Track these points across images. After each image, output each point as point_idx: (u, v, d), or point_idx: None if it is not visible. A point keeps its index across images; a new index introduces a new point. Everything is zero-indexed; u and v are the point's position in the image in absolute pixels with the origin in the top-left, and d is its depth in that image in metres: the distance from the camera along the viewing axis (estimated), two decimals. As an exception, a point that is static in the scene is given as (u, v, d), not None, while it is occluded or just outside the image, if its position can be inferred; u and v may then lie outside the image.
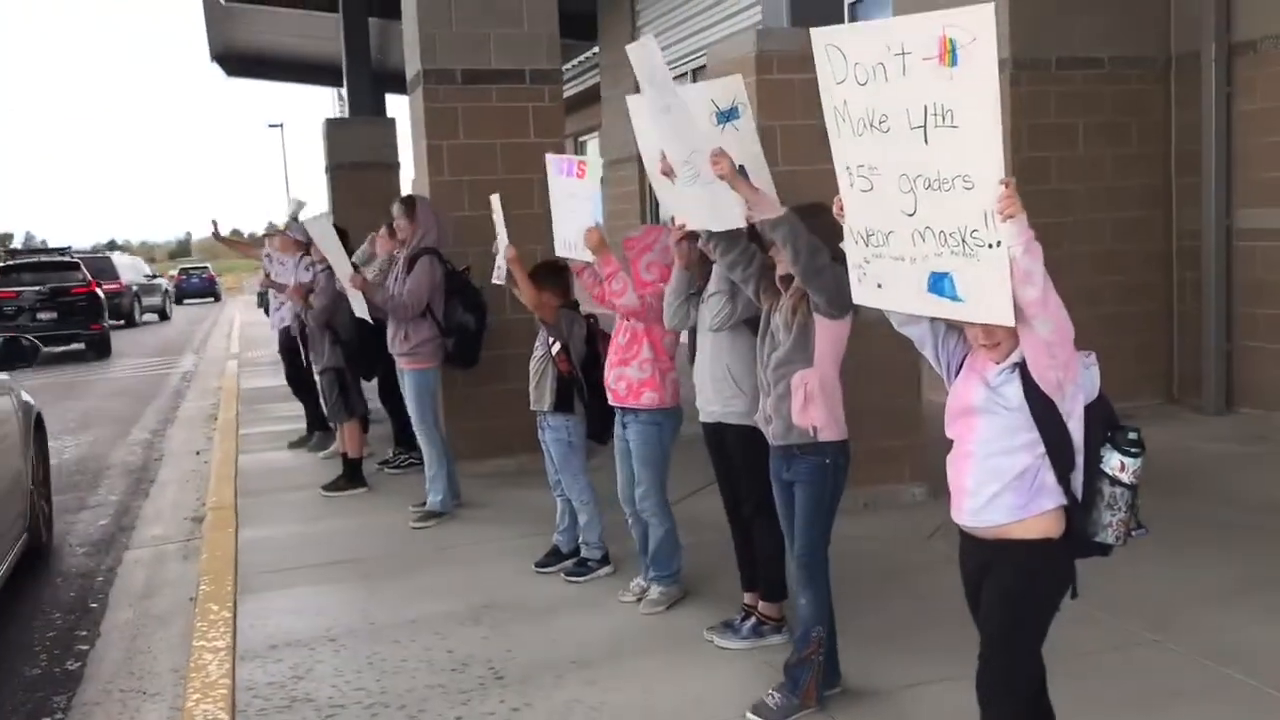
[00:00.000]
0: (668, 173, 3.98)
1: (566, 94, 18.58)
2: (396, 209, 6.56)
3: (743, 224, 3.68)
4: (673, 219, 4.43)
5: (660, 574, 4.84)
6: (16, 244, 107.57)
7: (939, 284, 2.68)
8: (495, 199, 5.58)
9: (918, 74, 2.54)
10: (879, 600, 4.70)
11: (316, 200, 17.04)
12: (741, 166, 3.58)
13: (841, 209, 2.94)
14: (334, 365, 7.32)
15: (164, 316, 32.45)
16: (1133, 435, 2.72)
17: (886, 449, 6.21)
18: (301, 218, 7.75)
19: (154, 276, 34.27)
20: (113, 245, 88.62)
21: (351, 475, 7.36)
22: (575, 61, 18.79)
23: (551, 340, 5.15)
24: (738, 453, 4.25)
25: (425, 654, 4.46)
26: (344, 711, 3.97)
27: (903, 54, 2.56)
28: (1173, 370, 9.01)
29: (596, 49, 17.57)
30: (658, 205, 15.74)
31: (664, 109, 3.78)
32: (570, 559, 5.40)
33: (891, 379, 6.10)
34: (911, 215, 2.69)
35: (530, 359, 5.32)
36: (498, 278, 5.61)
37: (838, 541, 3.88)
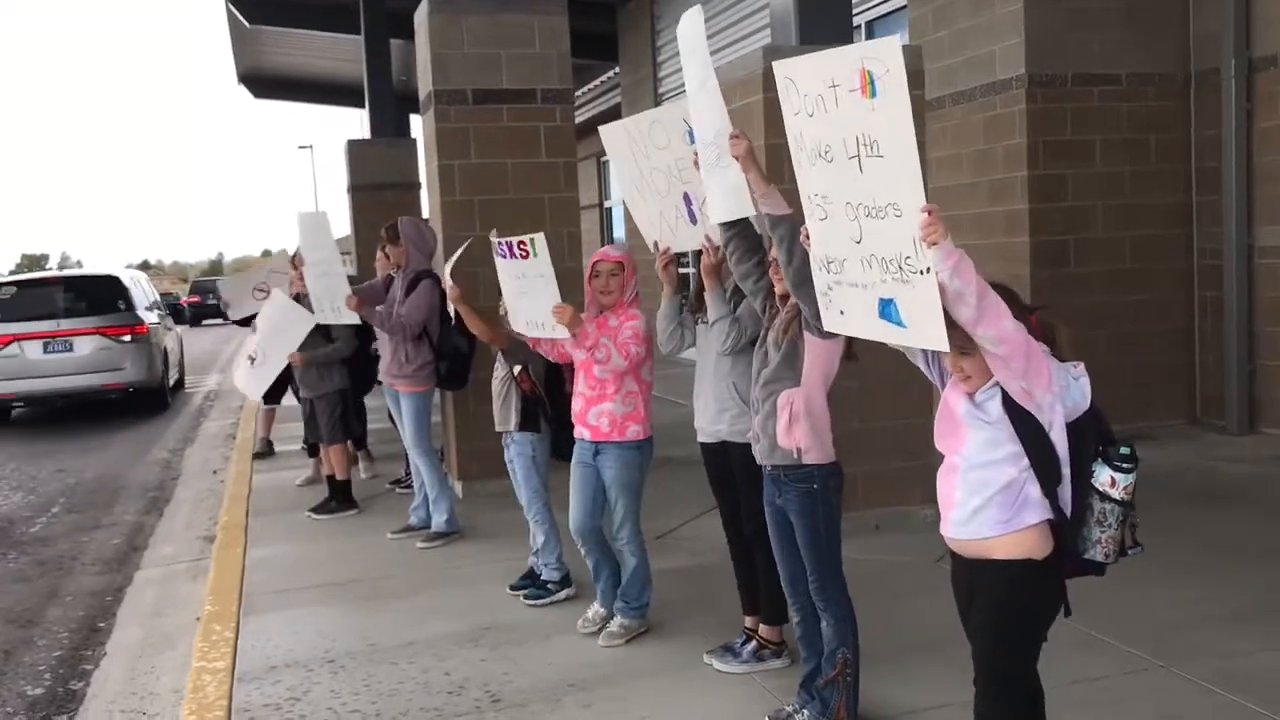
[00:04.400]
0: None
1: (588, 114, 18.72)
2: (382, 234, 6.59)
3: (752, 212, 3.63)
4: (655, 244, 4.50)
5: (628, 606, 4.73)
6: (51, 264, 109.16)
7: (886, 310, 2.72)
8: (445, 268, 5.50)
9: (847, 105, 2.61)
10: (886, 623, 4.62)
11: (341, 221, 17.12)
12: None
13: (808, 237, 2.98)
14: (339, 387, 7.25)
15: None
16: (1125, 450, 2.69)
17: (897, 470, 6.14)
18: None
19: None
20: (145, 265, 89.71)
21: (343, 497, 7.34)
22: (597, 82, 18.86)
23: (511, 363, 5.16)
24: (741, 472, 4.19)
25: (423, 676, 4.43)
26: (337, 734, 3.95)
27: (834, 86, 2.63)
28: (1195, 390, 8.88)
29: (617, 69, 17.61)
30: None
31: (701, 85, 3.69)
32: None
33: (903, 400, 6.04)
34: (859, 243, 2.74)
35: (492, 380, 5.34)
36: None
37: (846, 564, 3.81)
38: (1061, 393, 2.64)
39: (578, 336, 4.47)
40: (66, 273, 17.10)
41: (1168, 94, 8.67)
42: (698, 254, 4.28)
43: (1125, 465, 2.67)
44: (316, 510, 7.30)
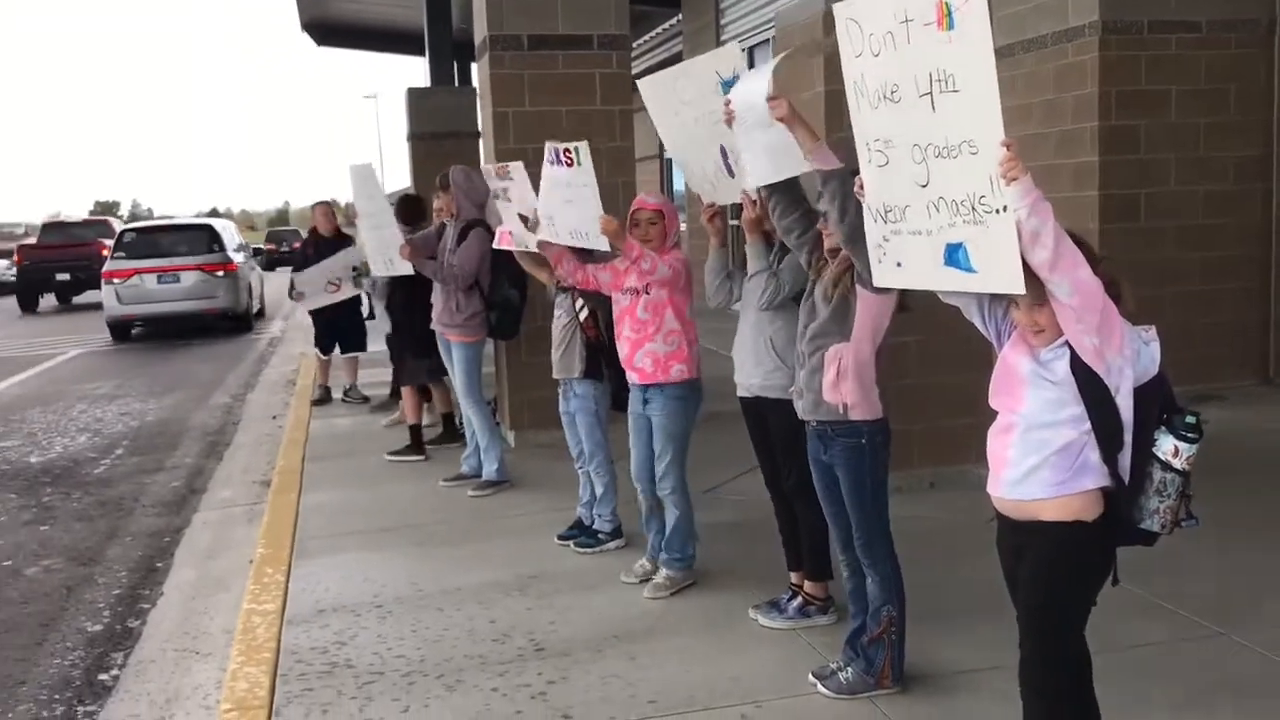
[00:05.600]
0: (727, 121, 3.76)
1: (649, 63, 18.48)
2: (436, 183, 6.61)
3: (796, 173, 3.58)
4: (700, 198, 4.45)
5: (671, 558, 4.71)
6: (123, 212, 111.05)
7: (954, 256, 2.61)
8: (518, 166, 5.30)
9: (920, 40, 2.52)
10: (936, 582, 4.53)
11: (400, 171, 17.24)
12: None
13: (862, 188, 2.88)
14: (421, 332, 7.26)
15: None
16: (1190, 419, 2.59)
17: (953, 428, 6.00)
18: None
19: None
20: (214, 213, 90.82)
21: (413, 442, 7.39)
22: (657, 30, 18.59)
23: (580, 305, 5.09)
24: (777, 427, 4.13)
25: (468, 623, 4.45)
26: (382, 679, 3.98)
27: (907, 21, 2.54)
28: (1269, 350, 8.59)
29: (679, 17, 17.34)
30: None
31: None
32: None
33: (960, 357, 5.88)
34: (925, 187, 2.63)
35: (552, 327, 5.28)
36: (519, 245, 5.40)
37: (899, 521, 3.76)
38: (1133, 358, 2.53)
39: (623, 249, 4.48)
40: (175, 221, 23.84)
41: (1250, 41, 8.30)
42: (740, 207, 4.20)
43: (1190, 435, 2.57)
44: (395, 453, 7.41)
